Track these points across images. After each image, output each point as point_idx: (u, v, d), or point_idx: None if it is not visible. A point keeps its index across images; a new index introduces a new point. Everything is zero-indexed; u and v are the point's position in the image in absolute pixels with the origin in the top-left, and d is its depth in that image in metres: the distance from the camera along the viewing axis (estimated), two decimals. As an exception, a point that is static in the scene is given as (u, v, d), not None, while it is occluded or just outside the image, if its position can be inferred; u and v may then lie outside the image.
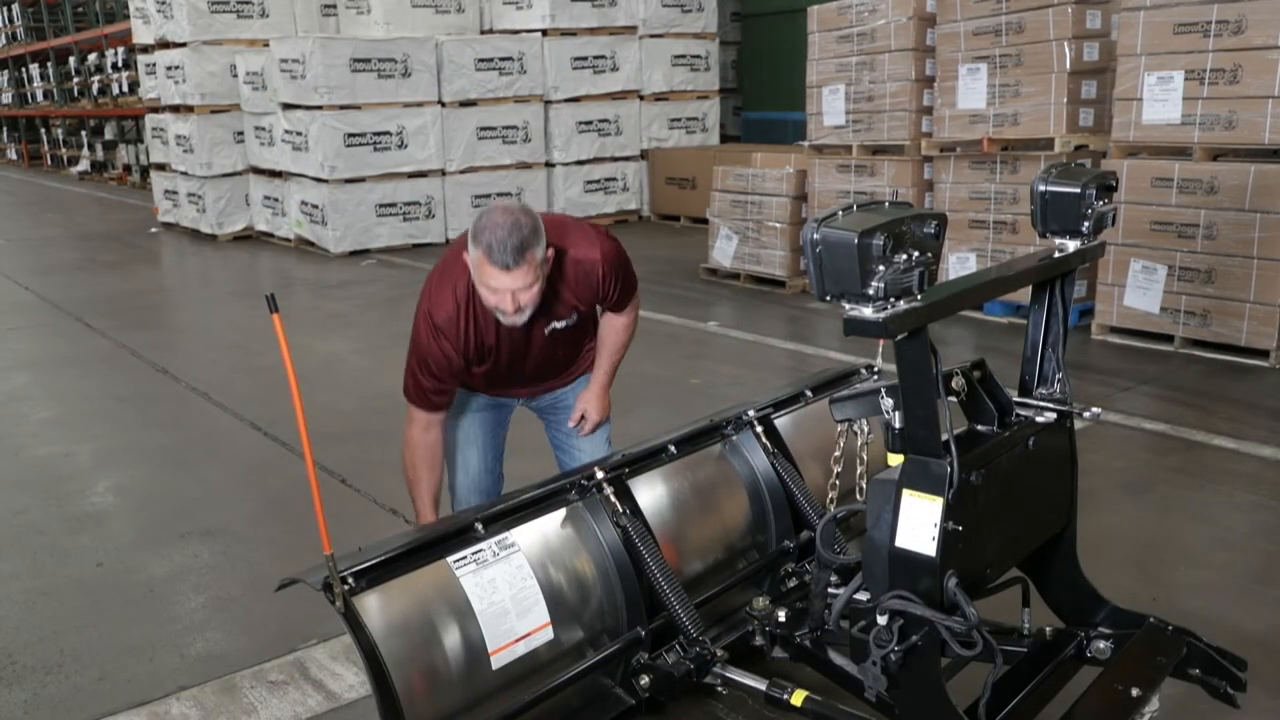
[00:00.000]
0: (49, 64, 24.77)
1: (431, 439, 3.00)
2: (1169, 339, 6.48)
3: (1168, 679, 2.46)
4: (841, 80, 8.32)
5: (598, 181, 12.70)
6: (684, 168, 12.34)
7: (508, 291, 2.69)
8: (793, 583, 3.04)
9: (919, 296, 1.93)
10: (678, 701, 2.77)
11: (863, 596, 2.23)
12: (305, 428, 2.09)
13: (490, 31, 12.63)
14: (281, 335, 2.05)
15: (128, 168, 20.28)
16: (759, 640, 2.75)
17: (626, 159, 12.84)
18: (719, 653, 2.64)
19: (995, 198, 7.33)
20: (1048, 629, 2.59)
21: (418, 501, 3.07)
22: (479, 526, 2.52)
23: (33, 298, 9.61)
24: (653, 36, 12.84)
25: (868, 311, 1.88)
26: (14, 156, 29.01)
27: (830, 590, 2.57)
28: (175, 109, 13.06)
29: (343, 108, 10.97)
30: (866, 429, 2.68)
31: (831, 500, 2.78)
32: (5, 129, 30.03)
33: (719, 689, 2.68)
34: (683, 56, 13.13)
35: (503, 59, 11.80)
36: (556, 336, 3.01)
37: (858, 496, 2.79)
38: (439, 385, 2.93)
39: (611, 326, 3.17)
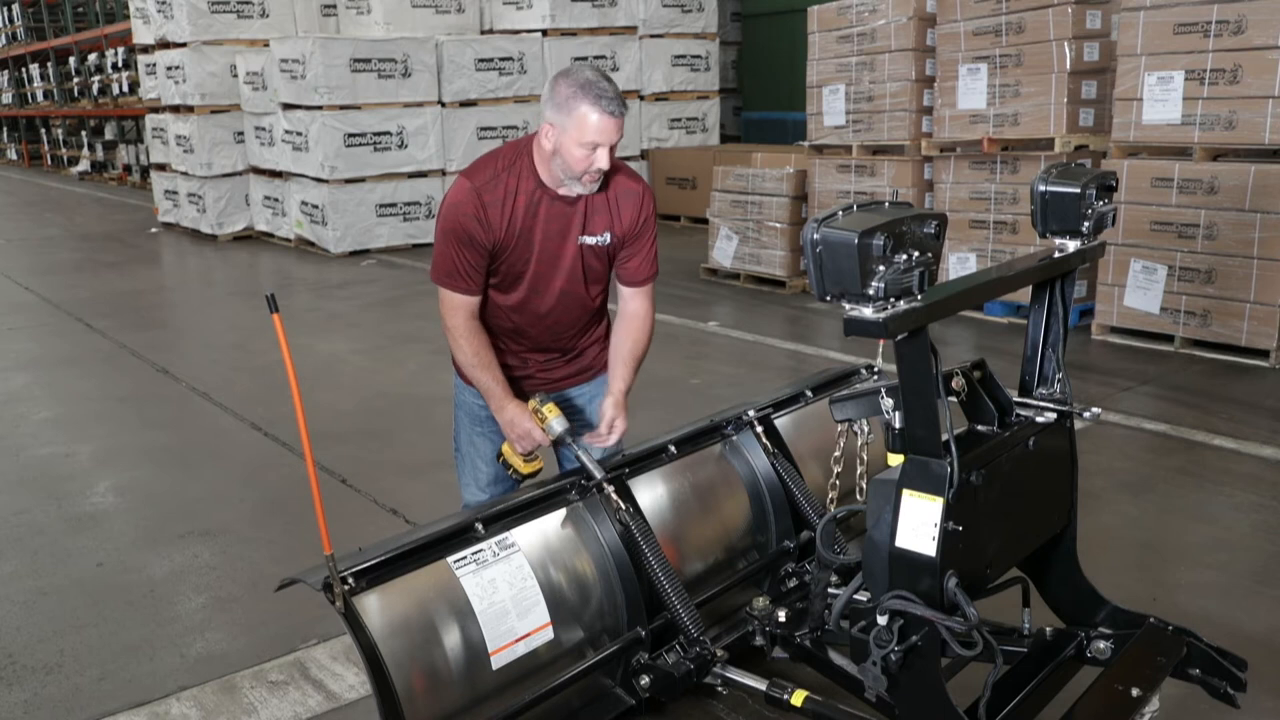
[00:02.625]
0: (49, 64, 24.76)
1: (466, 319, 2.89)
2: (1169, 339, 6.48)
3: (1168, 679, 2.46)
4: (841, 80, 8.32)
5: (598, 181, 12.70)
6: (684, 168, 12.35)
7: (606, 146, 2.68)
8: (793, 583, 3.04)
9: (919, 296, 1.93)
10: (678, 701, 2.78)
11: (863, 597, 2.23)
12: (305, 428, 2.09)
13: (490, 31, 12.64)
14: (282, 335, 2.06)
15: (128, 168, 20.29)
16: (759, 640, 2.76)
17: (626, 159, 12.83)
18: (719, 653, 2.64)
19: (995, 198, 7.33)
20: (1048, 629, 2.59)
21: (485, 386, 2.91)
22: (479, 526, 2.53)
23: (33, 298, 9.61)
24: (653, 36, 12.84)
25: (868, 311, 1.88)
26: (14, 156, 29.02)
27: (830, 590, 2.57)
28: (175, 109, 13.06)
29: (343, 108, 10.98)
30: (866, 429, 2.68)
31: (831, 500, 2.78)
32: (5, 129, 30.04)
33: (719, 689, 2.69)
34: (683, 56, 13.14)
35: (503, 59, 11.81)
36: (585, 255, 2.91)
37: (858, 496, 2.80)
38: (469, 257, 2.81)
39: (631, 315, 3.01)
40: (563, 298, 2.96)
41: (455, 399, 3.18)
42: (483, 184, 2.79)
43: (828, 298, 1.91)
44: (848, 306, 1.90)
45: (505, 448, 2.95)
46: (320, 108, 10.92)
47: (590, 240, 2.90)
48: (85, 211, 16.94)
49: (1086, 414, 2.57)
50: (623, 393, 2.98)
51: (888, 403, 2.16)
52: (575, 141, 2.67)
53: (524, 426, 2.84)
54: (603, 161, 2.71)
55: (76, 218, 16.10)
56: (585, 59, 12.29)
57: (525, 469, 2.95)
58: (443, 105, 11.50)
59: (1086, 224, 2.42)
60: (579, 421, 3.15)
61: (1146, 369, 6.14)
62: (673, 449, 2.99)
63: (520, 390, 3.01)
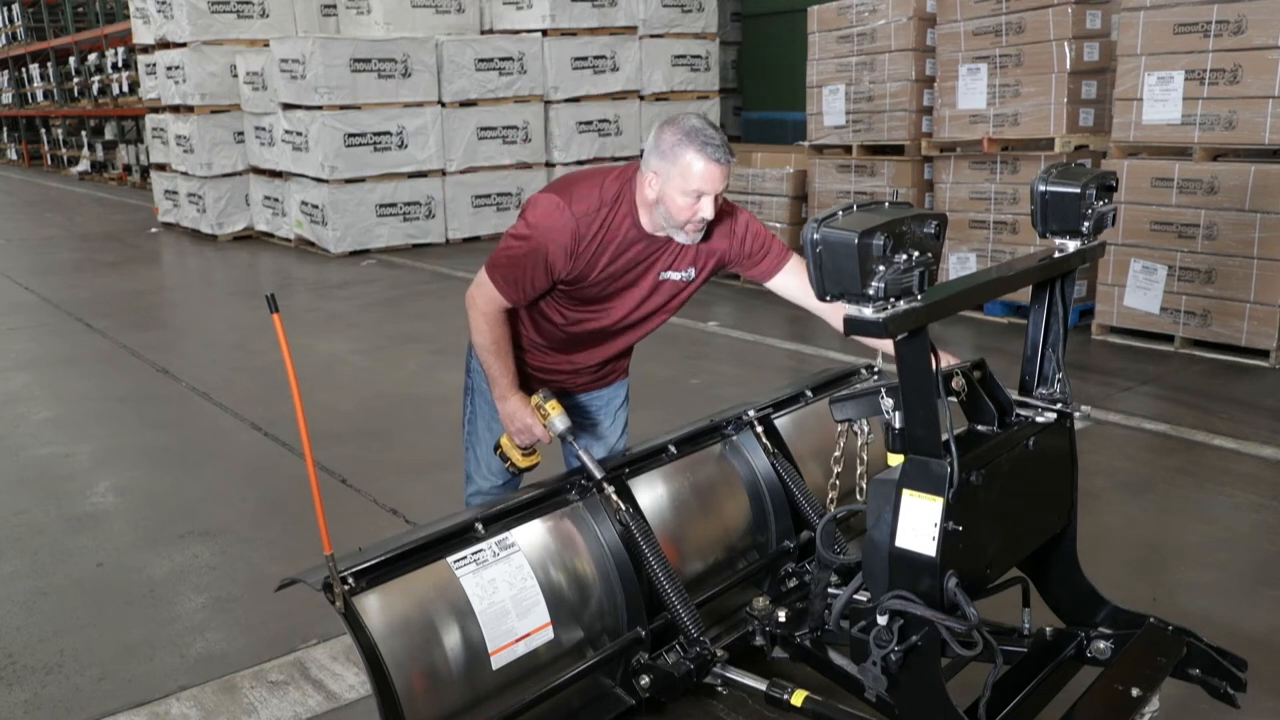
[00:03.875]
0: (49, 64, 24.74)
1: (497, 310, 2.82)
2: (1169, 339, 6.48)
3: (1168, 679, 2.46)
4: (841, 80, 8.32)
5: (598, 181, 12.70)
6: (684, 168, 12.33)
7: (714, 194, 2.63)
8: (793, 583, 3.04)
9: (919, 296, 1.93)
10: (678, 701, 2.78)
11: (863, 597, 2.23)
12: (305, 428, 2.09)
13: (490, 31, 12.64)
14: (282, 335, 2.06)
15: (128, 168, 20.28)
16: (759, 640, 2.76)
17: (627, 159, 12.81)
18: (719, 653, 2.64)
19: (995, 198, 7.33)
20: (1048, 629, 2.59)
21: (494, 373, 2.85)
22: (479, 526, 2.53)
23: (33, 298, 9.61)
24: (653, 36, 12.84)
25: (868, 311, 1.88)
26: (14, 156, 29.00)
27: (830, 590, 2.57)
28: (175, 109, 13.06)
29: (343, 108, 10.98)
30: (866, 429, 2.68)
31: (831, 500, 2.78)
32: (5, 129, 30.02)
33: (719, 689, 2.69)
34: (683, 56, 13.13)
35: (503, 59, 11.81)
36: (661, 290, 2.87)
37: (858, 496, 2.80)
38: (537, 278, 2.73)
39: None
40: (624, 326, 2.93)
41: (473, 385, 3.13)
42: (582, 214, 2.69)
43: (828, 298, 1.91)
44: (848, 306, 1.90)
45: (504, 440, 2.94)
46: (320, 108, 10.91)
47: (674, 275, 2.85)
48: (85, 211, 16.93)
49: (1076, 413, 2.56)
50: None
51: (888, 403, 2.16)
52: (680, 190, 2.61)
53: (524, 421, 2.83)
54: (707, 210, 2.65)
55: (76, 218, 16.10)
56: (585, 59, 12.30)
57: (523, 463, 2.95)
58: (443, 105, 11.50)
59: (1086, 224, 2.42)
60: (588, 422, 3.16)
61: (1146, 369, 6.14)
62: (673, 449, 2.99)
63: (533, 388, 3.00)
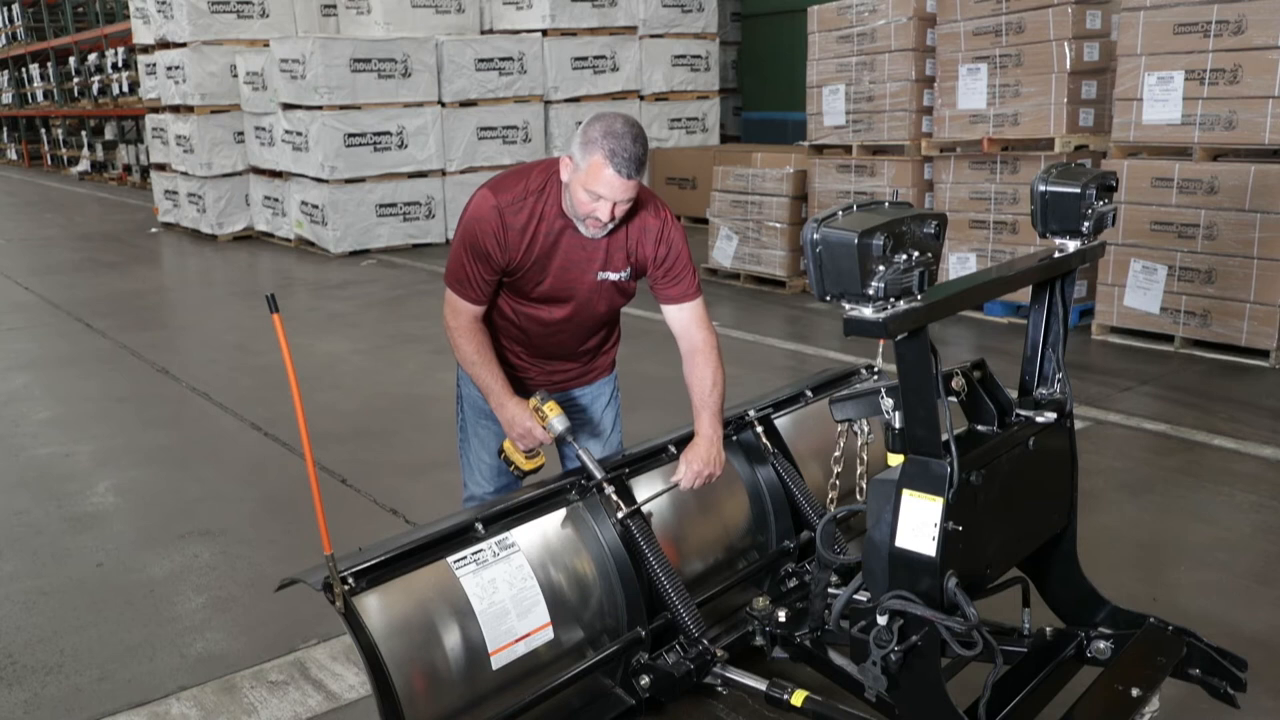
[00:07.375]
0: (49, 64, 24.75)
1: (469, 321, 2.89)
2: (1169, 339, 6.48)
3: (1168, 679, 2.46)
4: (841, 80, 8.32)
5: (598, 181, 12.69)
6: (684, 168, 12.34)
7: (612, 201, 2.65)
8: (793, 583, 3.04)
9: (919, 296, 1.93)
10: (678, 701, 2.78)
11: (863, 597, 2.23)
12: (305, 428, 2.09)
13: (490, 31, 12.64)
14: (282, 335, 2.06)
15: (128, 168, 20.28)
16: (759, 640, 2.76)
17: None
18: (719, 653, 2.64)
19: (995, 198, 7.33)
20: (1048, 629, 2.60)
21: (485, 384, 2.89)
22: (479, 526, 2.53)
23: (33, 298, 9.61)
24: (653, 36, 12.84)
25: (868, 311, 1.88)
26: (14, 156, 29.00)
27: (830, 590, 2.57)
28: (175, 109, 13.06)
29: (343, 108, 10.98)
30: (866, 429, 2.68)
31: (831, 500, 2.78)
32: (5, 129, 30.02)
33: (719, 689, 2.69)
34: (683, 56, 13.14)
35: (503, 59, 11.81)
36: (602, 288, 2.91)
37: (858, 496, 2.80)
38: (481, 271, 2.80)
39: (689, 352, 2.99)
40: (574, 322, 2.97)
41: (458, 392, 3.18)
42: (507, 204, 2.76)
43: (828, 298, 1.91)
44: (848, 306, 1.90)
45: (507, 445, 2.96)
46: (320, 108, 10.91)
47: (612, 276, 2.89)
48: (85, 211, 16.93)
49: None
50: (710, 439, 2.86)
51: (888, 403, 2.16)
52: (582, 185, 2.65)
53: (524, 425, 2.84)
54: (603, 214, 2.67)
55: (76, 218, 16.10)
56: (585, 59, 12.30)
57: (527, 466, 2.95)
58: (443, 105, 11.50)
59: (1086, 224, 2.42)
60: (581, 420, 3.16)
61: (1146, 369, 6.14)
62: (673, 449, 2.99)
63: (523, 386, 3.01)
